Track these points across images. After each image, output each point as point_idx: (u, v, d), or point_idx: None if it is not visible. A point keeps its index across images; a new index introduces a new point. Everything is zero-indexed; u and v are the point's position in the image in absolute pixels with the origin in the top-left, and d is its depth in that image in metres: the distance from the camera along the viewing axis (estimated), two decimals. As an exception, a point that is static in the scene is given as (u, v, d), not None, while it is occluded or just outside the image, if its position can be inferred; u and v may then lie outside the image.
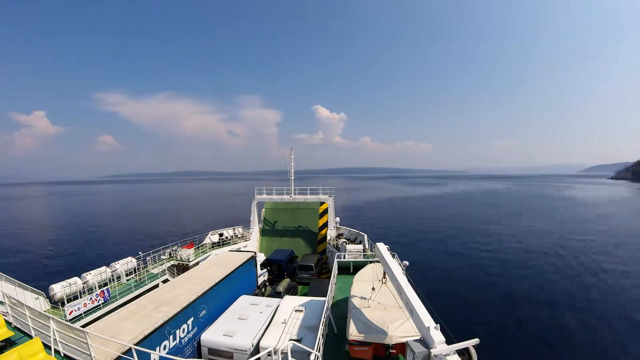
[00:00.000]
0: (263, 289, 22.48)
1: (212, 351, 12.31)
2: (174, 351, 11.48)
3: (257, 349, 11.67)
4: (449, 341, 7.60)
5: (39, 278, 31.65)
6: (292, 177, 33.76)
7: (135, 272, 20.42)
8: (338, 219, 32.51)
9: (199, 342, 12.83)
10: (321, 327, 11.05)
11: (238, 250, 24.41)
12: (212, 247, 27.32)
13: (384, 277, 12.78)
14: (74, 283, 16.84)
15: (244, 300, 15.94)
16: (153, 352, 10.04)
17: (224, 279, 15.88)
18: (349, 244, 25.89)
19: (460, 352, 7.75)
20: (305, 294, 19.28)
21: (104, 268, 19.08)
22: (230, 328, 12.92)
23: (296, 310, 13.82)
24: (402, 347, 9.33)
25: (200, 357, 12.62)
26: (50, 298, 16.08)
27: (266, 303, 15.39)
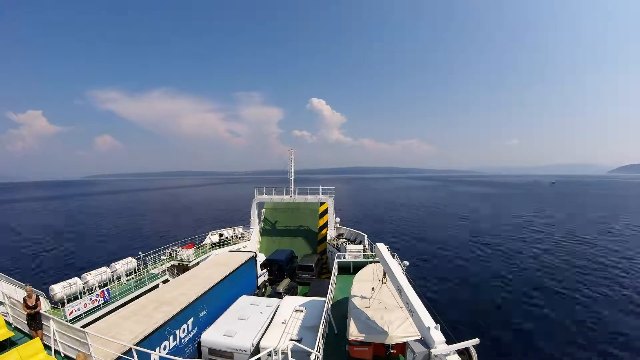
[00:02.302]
0: (263, 289, 22.48)
1: (212, 351, 12.30)
2: (174, 351, 11.48)
3: (257, 349, 11.66)
4: (449, 341, 7.60)
5: (39, 278, 31.70)
6: (292, 177, 33.79)
7: (135, 272, 20.42)
8: (338, 219, 32.53)
9: (199, 342, 12.83)
10: (321, 327, 11.05)
11: (238, 251, 24.42)
12: (212, 247, 27.32)
13: (384, 277, 12.79)
14: (74, 283, 16.83)
15: (244, 301, 15.93)
16: (153, 352, 10.03)
17: (224, 279, 15.87)
18: (349, 244, 25.90)
19: (460, 352, 7.75)
20: (305, 294, 19.27)
21: (104, 268, 19.08)
22: (231, 328, 12.92)
23: (296, 311, 13.81)
24: (402, 347, 9.33)
25: (201, 357, 12.62)
26: (50, 298, 16.07)
27: (266, 303, 15.39)
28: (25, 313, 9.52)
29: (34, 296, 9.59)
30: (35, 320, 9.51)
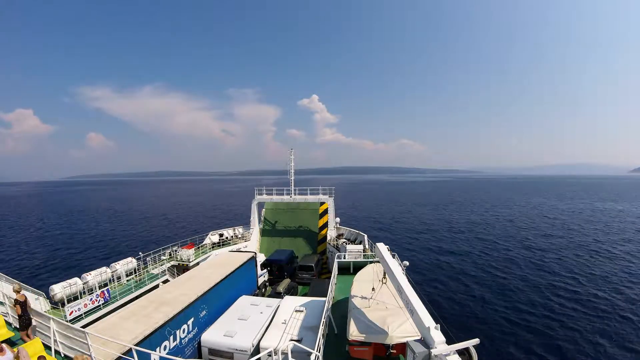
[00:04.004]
0: (263, 290, 22.49)
1: (213, 351, 12.31)
2: (175, 351, 11.48)
3: (257, 349, 11.67)
4: (449, 341, 7.60)
5: (39, 278, 31.70)
6: (292, 178, 33.81)
7: (135, 272, 20.41)
8: (338, 219, 32.54)
9: (199, 343, 12.83)
10: (321, 328, 11.06)
11: (238, 251, 24.43)
12: (212, 247, 27.32)
13: (384, 277, 12.79)
14: (74, 283, 16.82)
15: (244, 301, 15.95)
16: (153, 352, 10.04)
17: (224, 279, 15.88)
18: (349, 244, 25.89)
19: (460, 352, 7.76)
20: (305, 294, 19.29)
21: (104, 268, 19.08)
22: (231, 328, 12.93)
23: (296, 311, 13.81)
24: (403, 347, 9.33)
25: (201, 358, 12.63)
26: (50, 298, 16.06)
27: (266, 303, 15.39)
28: (17, 312, 9.50)
29: (20, 294, 9.66)
30: (22, 319, 9.51)
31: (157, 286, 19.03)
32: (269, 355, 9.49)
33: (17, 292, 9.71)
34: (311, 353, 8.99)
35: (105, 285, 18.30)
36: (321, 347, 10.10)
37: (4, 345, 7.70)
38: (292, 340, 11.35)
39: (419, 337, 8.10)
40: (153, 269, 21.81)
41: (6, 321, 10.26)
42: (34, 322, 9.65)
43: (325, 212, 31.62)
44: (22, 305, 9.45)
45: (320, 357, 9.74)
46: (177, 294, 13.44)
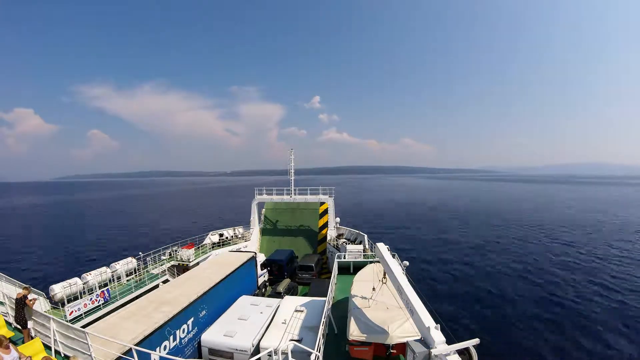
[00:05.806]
0: (263, 289, 22.50)
1: (213, 351, 12.31)
2: (174, 351, 11.48)
3: (257, 349, 11.67)
4: (449, 341, 7.60)
5: (39, 278, 31.70)
6: (292, 177, 33.83)
7: (135, 272, 20.42)
8: (338, 219, 32.56)
9: (199, 343, 12.84)
10: (321, 328, 11.07)
11: (238, 251, 24.44)
12: (213, 247, 27.34)
13: (384, 277, 12.79)
14: (74, 283, 16.83)
15: (244, 301, 15.95)
16: (153, 352, 10.04)
17: (224, 279, 15.89)
18: (349, 244, 25.90)
19: (460, 352, 7.76)
20: (305, 294, 19.29)
21: (104, 268, 19.08)
22: (231, 328, 12.93)
23: (296, 311, 13.82)
24: (403, 347, 9.33)
25: (201, 358, 12.63)
26: (50, 298, 16.07)
27: (266, 303, 15.40)
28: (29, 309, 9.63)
29: (19, 292, 9.91)
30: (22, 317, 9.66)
31: (157, 286, 19.03)
32: (269, 355, 9.49)
33: (26, 289, 9.95)
34: (311, 353, 8.99)
35: (105, 285, 18.30)
36: (321, 347, 10.11)
37: (10, 344, 7.69)
38: (292, 340, 11.37)
39: (419, 337, 8.10)
40: (153, 269, 21.82)
41: (6, 321, 10.26)
42: (29, 325, 9.65)
43: (325, 212, 31.63)
44: (18, 303, 9.50)
45: (320, 357, 9.74)
46: (177, 294, 13.44)
